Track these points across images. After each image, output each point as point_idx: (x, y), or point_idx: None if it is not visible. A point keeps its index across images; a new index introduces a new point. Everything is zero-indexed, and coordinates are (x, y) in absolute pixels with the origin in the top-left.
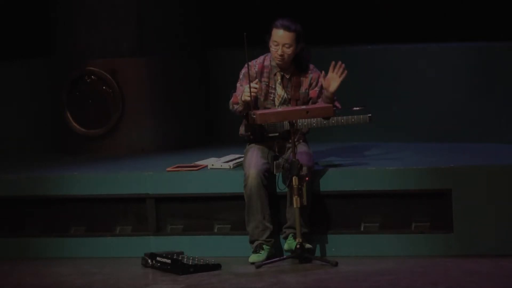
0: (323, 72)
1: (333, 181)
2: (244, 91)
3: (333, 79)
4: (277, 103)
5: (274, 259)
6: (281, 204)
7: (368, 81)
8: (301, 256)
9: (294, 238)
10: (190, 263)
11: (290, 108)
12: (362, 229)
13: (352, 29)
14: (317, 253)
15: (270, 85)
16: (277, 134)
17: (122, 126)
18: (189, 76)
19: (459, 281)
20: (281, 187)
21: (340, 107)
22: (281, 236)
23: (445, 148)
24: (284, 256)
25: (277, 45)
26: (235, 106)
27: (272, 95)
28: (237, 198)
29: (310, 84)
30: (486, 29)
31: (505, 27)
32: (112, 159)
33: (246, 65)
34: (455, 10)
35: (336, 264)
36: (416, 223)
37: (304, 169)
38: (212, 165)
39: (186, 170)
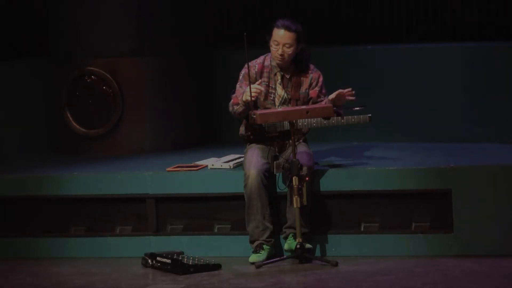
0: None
1: (333, 181)
2: (245, 92)
3: (338, 99)
4: (277, 103)
5: (274, 259)
6: (281, 204)
7: (368, 81)
8: (301, 256)
9: (294, 238)
10: (190, 263)
11: (290, 108)
12: (362, 229)
13: (352, 29)
14: (317, 253)
15: (270, 85)
16: (277, 134)
17: (122, 126)
18: (189, 76)
19: (459, 281)
20: (281, 187)
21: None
22: (281, 236)
23: (445, 148)
24: (284, 256)
25: (278, 44)
26: (235, 108)
27: (272, 95)
28: (237, 198)
29: (310, 84)
30: (486, 29)
31: (504, 27)
32: (112, 159)
33: (246, 66)
34: (455, 10)
35: (336, 264)
36: (416, 223)
37: (304, 169)
38: (212, 165)
39: (186, 170)
